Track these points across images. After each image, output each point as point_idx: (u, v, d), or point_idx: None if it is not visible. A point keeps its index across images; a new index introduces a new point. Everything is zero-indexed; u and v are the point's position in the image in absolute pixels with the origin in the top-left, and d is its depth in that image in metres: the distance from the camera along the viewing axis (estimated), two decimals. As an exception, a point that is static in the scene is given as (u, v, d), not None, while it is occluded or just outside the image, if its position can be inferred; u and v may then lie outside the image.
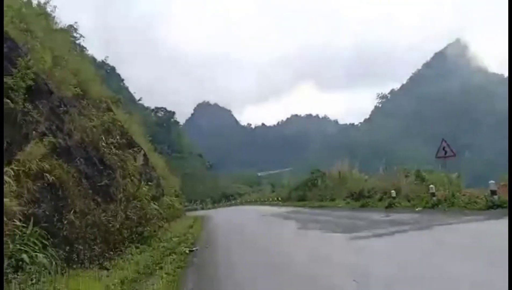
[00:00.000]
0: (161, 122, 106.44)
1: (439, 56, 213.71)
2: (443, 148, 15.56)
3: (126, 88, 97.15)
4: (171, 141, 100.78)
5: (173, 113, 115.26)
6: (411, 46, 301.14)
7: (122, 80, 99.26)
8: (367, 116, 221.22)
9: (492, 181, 12.83)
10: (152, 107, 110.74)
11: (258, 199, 61.40)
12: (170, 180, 31.62)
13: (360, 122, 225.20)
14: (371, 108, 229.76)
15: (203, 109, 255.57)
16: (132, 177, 12.31)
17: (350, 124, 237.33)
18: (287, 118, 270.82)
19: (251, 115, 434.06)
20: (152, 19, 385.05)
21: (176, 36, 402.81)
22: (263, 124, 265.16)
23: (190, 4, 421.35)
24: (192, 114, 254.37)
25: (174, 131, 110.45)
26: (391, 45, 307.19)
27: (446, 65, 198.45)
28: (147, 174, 14.69)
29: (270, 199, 52.13)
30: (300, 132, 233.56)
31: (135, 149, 14.10)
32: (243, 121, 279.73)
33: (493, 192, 12.49)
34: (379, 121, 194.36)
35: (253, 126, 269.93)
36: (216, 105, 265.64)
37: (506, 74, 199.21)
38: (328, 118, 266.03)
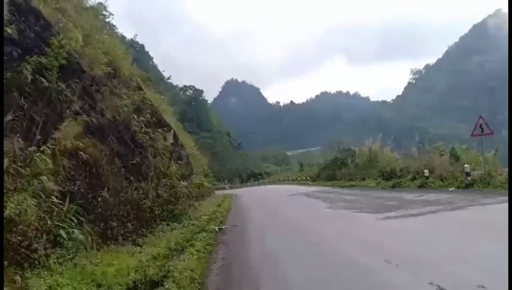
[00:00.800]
0: (190, 100, 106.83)
1: (478, 28, 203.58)
2: (480, 126, 14.96)
3: (155, 67, 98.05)
4: (199, 120, 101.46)
5: (202, 91, 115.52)
6: (448, 19, 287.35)
7: (152, 58, 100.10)
8: (400, 93, 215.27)
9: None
10: (181, 85, 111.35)
11: (286, 178, 61.57)
12: (199, 158, 31.91)
13: (393, 99, 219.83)
14: (404, 84, 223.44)
15: (231, 87, 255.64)
16: (163, 156, 12.49)
17: (382, 101, 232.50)
18: (316, 96, 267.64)
19: (280, 92, 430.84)
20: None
21: (204, 13, 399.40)
22: (291, 101, 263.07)
23: None
24: (220, 92, 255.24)
25: (203, 110, 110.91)
26: (426, 18, 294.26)
27: (485, 37, 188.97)
28: (177, 153, 14.86)
29: (299, 178, 52.09)
30: (330, 110, 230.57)
31: (165, 128, 14.25)
32: (272, 99, 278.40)
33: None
34: (413, 98, 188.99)
35: (281, 104, 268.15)
36: (244, 82, 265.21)
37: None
38: (359, 94, 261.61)
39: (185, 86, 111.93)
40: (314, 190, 28.33)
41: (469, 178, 15.15)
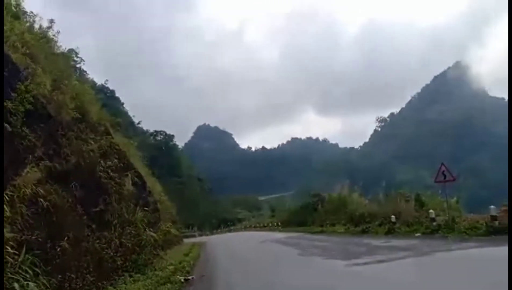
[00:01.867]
0: (160, 145, 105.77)
1: (439, 79, 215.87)
2: (442, 172, 15.47)
3: (126, 112, 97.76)
4: (170, 165, 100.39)
5: (173, 136, 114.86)
6: (410, 70, 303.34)
7: (122, 103, 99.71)
8: (367, 140, 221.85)
9: (492, 206, 12.70)
10: (152, 130, 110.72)
11: (258, 224, 60.76)
12: (168, 205, 31.28)
13: (360, 146, 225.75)
14: (371, 131, 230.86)
15: (203, 132, 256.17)
16: (129, 202, 12.18)
17: (350, 147, 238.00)
18: (288, 141, 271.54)
19: (252, 138, 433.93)
20: (153, 43, 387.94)
21: (177, 58, 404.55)
22: (263, 147, 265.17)
23: (190, 27, 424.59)
24: (192, 137, 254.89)
25: (173, 155, 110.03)
26: (391, 69, 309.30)
27: (445, 88, 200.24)
28: (144, 199, 14.53)
29: (270, 224, 51.64)
30: (301, 156, 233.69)
31: (132, 173, 14.01)
32: (244, 144, 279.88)
33: (494, 218, 12.34)
34: (379, 144, 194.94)
35: (253, 149, 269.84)
36: (216, 128, 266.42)
37: (506, 97, 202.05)
38: (329, 141, 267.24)
39: (155, 131, 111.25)
40: (285, 236, 28.18)
41: (434, 223, 15.47)
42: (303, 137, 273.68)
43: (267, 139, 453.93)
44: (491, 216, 12.48)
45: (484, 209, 15.39)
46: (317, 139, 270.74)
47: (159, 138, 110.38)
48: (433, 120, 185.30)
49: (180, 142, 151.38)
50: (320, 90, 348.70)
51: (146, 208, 13.57)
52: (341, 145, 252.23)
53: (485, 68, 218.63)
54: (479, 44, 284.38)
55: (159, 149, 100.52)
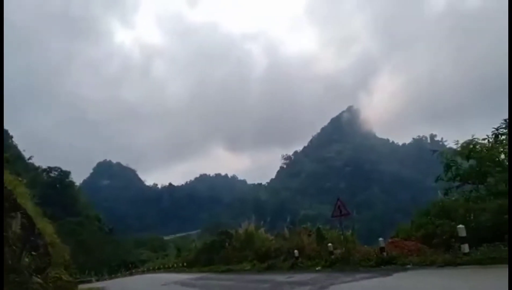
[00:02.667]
0: (54, 182, 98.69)
1: (335, 121, 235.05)
2: (338, 207, 16.47)
3: (15, 146, 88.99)
4: (65, 204, 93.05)
5: (69, 173, 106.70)
6: (312, 112, 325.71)
7: (11, 137, 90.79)
8: (273, 176, 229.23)
9: (381, 239, 13.79)
10: (45, 166, 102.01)
11: (162, 266, 58.27)
12: (61, 248, 28.55)
13: (267, 182, 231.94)
14: (277, 168, 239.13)
15: (104, 168, 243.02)
16: (14, 247, 10.90)
17: (258, 183, 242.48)
18: (196, 178, 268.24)
19: (158, 175, 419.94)
20: (49, 73, 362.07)
21: (77, 90, 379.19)
22: (170, 184, 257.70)
23: (92, 57, 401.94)
24: (91, 174, 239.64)
25: (69, 193, 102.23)
26: (296, 110, 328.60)
27: (340, 129, 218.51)
28: (32, 242, 13.11)
29: (175, 265, 49.91)
30: (209, 192, 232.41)
31: (20, 214, 12.64)
32: (149, 181, 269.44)
33: (382, 249, 13.39)
34: (284, 181, 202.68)
35: (159, 186, 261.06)
36: (119, 164, 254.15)
37: (390, 138, 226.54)
38: (237, 177, 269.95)
39: (49, 167, 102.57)
40: (190, 277, 27.24)
41: (332, 257, 16.27)
42: (212, 173, 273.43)
43: (174, 175, 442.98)
44: (380, 247, 13.53)
45: (376, 240, 16.81)
46: (225, 175, 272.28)
47: (53, 175, 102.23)
48: (331, 158, 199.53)
49: (78, 179, 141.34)
50: (229, 127, 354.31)
51: (34, 253, 12.26)
52: (249, 181, 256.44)
53: (372, 113, 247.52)
54: (367, 91, 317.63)
55: (53, 186, 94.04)
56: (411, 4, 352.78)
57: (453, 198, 16.41)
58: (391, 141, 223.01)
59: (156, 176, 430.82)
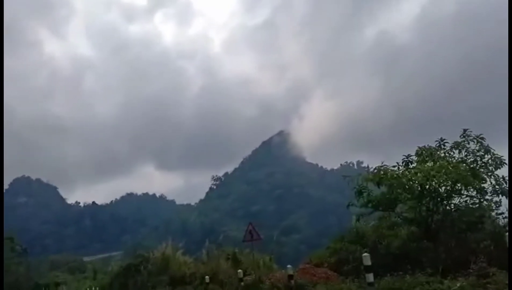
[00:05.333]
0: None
1: (266, 144, 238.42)
2: (249, 232, 15.76)
3: None
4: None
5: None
6: (244, 134, 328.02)
7: None
8: (203, 197, 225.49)
9: (289, 266, 13.17)
10: None
11: None
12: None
13: (196, 203, 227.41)
14: (207, 189, 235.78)
15: (22, 184, 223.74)
16: None
17: (186, 204, 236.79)
18: (121, 197, 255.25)
19: (81, 192, 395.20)
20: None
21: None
22: (93, 202, 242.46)
23: (15, 68, 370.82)
24: (6, 190, 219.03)
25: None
26: (228, 130, 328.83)
27: (271, 153, 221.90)
28: None
29: (88, 289, 46.78)
30: (135, 212, 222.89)
31: None
32: (72, 199, 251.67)
33: (290, 277, 12.74)
34: (213, 202, 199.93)
35: (82, 204, 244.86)
36: (39, 180, 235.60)
37: (320, 163, 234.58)
38: (165, 197, 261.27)
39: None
40: None
41: (242, 283, 15.40)
42: (139, 192, 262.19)
43: (99, 194, 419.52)
44: (288, 275, 12.88)
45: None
46: (153, 195, 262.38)
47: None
48: (261, 180, 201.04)
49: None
50: (160, 145, 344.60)
51: None
52: (178, 202, 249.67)
53: (303, 137, 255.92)
54: (298, 116, 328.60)
55: None
56: (344, 34, 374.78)
57: (369, 225, 16.46)
58: (319, 166, 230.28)
59: (79, 194, 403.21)
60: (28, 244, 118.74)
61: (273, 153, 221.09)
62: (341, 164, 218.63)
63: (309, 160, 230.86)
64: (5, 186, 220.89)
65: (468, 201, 12.92)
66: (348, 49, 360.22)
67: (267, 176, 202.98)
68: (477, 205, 12.79)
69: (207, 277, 18.57)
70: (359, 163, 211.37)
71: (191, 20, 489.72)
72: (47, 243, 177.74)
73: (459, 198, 12.92)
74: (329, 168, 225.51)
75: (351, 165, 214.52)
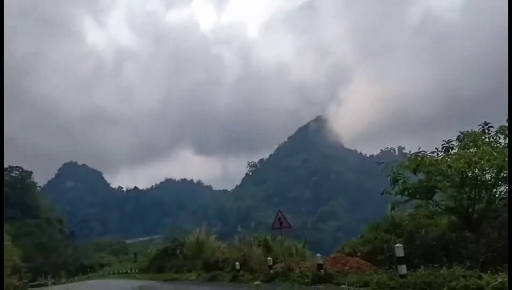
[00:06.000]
0: (15, 182, 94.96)
1: (303, 130, 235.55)
2: (279, 219, 15.42)
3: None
4: (25, 205, 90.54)
5: (31, 173, 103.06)
6: (284, 118, 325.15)
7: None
8: (239, 183, 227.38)
9: (318, 255, 12.74)
10: (6, 165, 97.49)
11: (118, 271, 56.89)
12: (12, 251, 27.15)
13: (233, 189, 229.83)
14: (242, 175, 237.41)
15: (70, 170, 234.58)
16: None
17: (223, 190, 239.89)
18: (161, 182, 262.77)
19: (124, 177, 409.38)
20: (15, 72, 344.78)
21: (44, 91, 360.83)
22: (135, 187, 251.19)
23: (61, 60, 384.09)
24: (56, 175, 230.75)
25: (30, 193, 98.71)
26: (264, 118, 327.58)
27: (308, 139, 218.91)
28: None
29: (129, 271, 48.86)
30: (174, 197, 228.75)
31: None
32: (115, 184, 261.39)
33: (320, 266, 12.32)
34: (249, 188, 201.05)
35: (124, 189, 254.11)
36: (85, 166, 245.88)
37: (358, 149, 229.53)
38: (203, 183, 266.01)
39: (10, 166, 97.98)
40: (136, 285, 26.88)
41: (271, 271, 15.15)
42: (178, 178, 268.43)
43: (140, 179, 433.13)
44: (318, 264, 12.47)
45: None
46: (191, 181, 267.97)
47: (14, 175, 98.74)
48: (297, 167, 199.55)
49: (42, 180, 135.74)
50: (198, 131, 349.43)
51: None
52: (215, 188, 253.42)
53: (341, 123, 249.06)
54: (336, 101, 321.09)
55: (14, 186, 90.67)
56: (387, 15, 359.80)
57: (405, 213, 15.66)
58: (359, 152, 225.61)
59: (122, 179, 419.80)
60: (75, 227, 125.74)
61: (309, 139, 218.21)
62: (381, 150, 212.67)
63: (347, 146, 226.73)
64: (55, 171, 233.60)
65: None
66: (391, 30, 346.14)
67: (303, 162, 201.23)
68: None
69: (237, 263, 18.50)
70: (400, 149, 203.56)
71: (228, 4, 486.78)
72: (93, 226, 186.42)
73: (505, 186, 11.92)
74: (368, 154, 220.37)
75: (392, 151, 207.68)
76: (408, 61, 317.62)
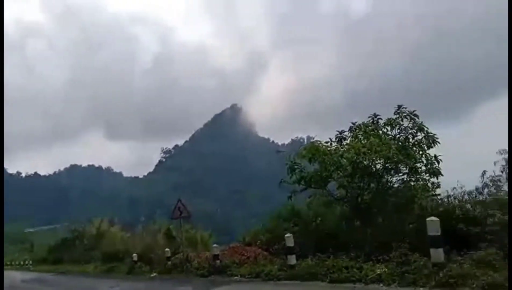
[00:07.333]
0: None
1: (218, 117, 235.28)
2: (178, 208, 14.84)
3: None
4: None
5: None
6: (201, 104, 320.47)
7: None
8: (151, 170, 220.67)
9: (215, 245, 12.48)
10: None
11: (11, 262, 51.82)
12: None
13: (144, 175, 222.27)
14: (156, 162, 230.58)
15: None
16: None
17: (134, 177, 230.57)
18: (66, 168, 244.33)
19: (23, 162, 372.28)
20: None
21: None
22: (36, 173, 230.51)
23: None
24: None
25: None
26: (179, 103, 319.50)
27: (223, 126, 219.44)
28: None
29: (22, 262, 44.96)
30: (81, 184, 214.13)
31: None
32: (12, 169, 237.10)
33: (216, 257, 12.05)
34: (162, 175, 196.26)
35: (23, 175, 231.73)
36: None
37: (272, 137, 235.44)
38: (112, 169, 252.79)
39: None
40: (25, 278, 24.68)
41: (169, 262, 14.60)
42: (85, 164, 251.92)
43: (42, 164, 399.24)
44: (214, 255, 12.19)
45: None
46: (99, 167, 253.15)
47: None
48: (212, 154, 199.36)
49: None
50: (110, 114, 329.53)
51: None
52: (126, 174, 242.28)
53: (256, 111, 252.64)
54: (253, 89, 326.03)
55: None
56: (303, 5, 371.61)
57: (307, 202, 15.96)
58: (271, 141, 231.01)
59: (20, 164, 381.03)
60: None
61: (225, 126, 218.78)
62: (292, 139, 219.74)
63: (261, 134, 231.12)
64: None
65: (405, 180, 12.40)
66: (306, 20, 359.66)
67: (218, 150, 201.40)
68: (413, 185, 12.46)
69: (134, 254, 17.62)
70: (309, 138, 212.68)
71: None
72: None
73: (393, 177, 12.53)
74: (280, 143, 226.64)
75: (301, 140, 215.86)
76: (320, 52, 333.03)
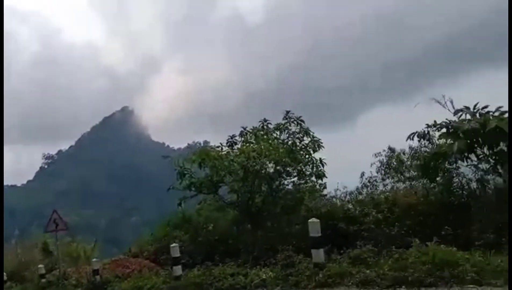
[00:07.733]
0: None
1: (108, 120, 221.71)
2: (54, 220, 13.32)
3: None
4: None
5: None
6: (89, 107, 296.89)
7: None
8: (31, 178, 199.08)
9: (95, 259, 11.45)
10: None
11: None
12: None
13: (23, 184, 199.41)
14: (37, 169, 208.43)
15: None
16: None
17: (11, 185, 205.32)
18: None
19: None
20: None
21: None
22: None
23: None
24: None
25: None
26: (66, 104, 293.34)
27: (114, 130, 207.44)
28: None
29: None
30: None
31: None
32: None
33: (96, 272, 11.05)
34: (44, 183, 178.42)
35: None
36: None
37: (166, 142, 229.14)
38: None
39: None
40: None
41: (43, 280, 13.01)
42: None
43: None
44: (93, 270, 11.17)
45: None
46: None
47: None
48: (101, 159, 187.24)
49: None
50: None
51: None
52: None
53: (149, 114, 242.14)
54: (145, 91, 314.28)
55: None
56: (197, 8, 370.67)
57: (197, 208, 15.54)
58: (166, 145, 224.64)
59: None
60: None
61: (115, 130, 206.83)
62: (188, 144, 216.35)
63: (155, 138, 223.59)
64: None
65: (295, 183, 12.84)
66: (202, 25, 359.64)
67: (107, 154, 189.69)
68: (302, 187, 12.89)
69: (4, 274, 15.40)
70: (206, 142, 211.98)
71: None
72: None
73: (285, 180, 12.83)
74: (176, 147, 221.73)
75: (198, 145, 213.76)
76: (216, 56, 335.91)
